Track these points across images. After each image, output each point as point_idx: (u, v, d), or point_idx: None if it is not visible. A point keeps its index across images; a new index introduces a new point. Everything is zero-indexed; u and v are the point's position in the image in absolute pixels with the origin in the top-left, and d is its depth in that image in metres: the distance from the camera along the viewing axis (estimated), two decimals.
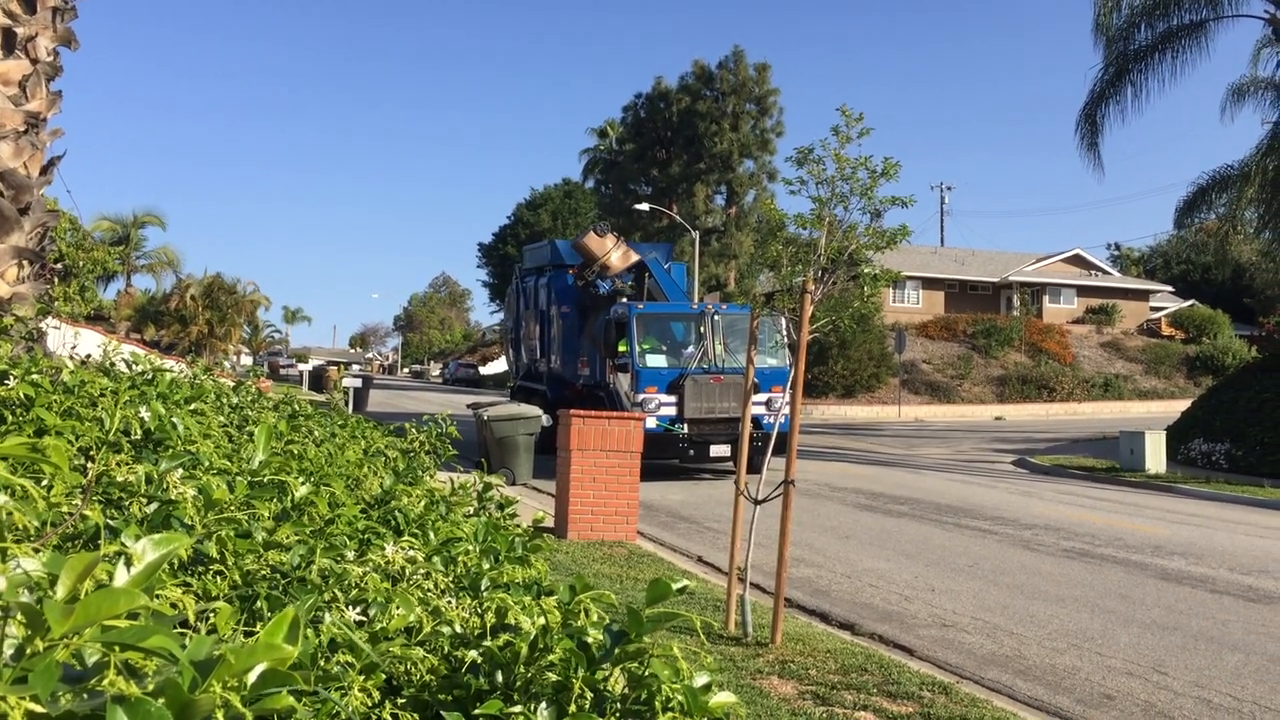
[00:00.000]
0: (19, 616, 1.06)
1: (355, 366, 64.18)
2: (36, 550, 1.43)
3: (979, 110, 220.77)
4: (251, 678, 1.14)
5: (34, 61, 7.08)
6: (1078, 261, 58.76)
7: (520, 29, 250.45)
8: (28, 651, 1.04)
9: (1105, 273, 59.94)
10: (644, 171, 54.66)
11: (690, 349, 18.16)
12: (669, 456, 17.48)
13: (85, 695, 1.04)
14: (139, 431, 3.34)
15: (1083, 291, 56.71)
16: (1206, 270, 63.84)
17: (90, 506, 2.15)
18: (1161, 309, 58.76)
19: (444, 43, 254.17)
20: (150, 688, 1.07)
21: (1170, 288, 62.15)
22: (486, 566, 2.95)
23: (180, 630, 1.55)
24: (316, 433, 5.87)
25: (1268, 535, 13.44)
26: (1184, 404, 30.28)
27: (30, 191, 7.04)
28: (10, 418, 3.35)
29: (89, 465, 2.37)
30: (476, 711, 1.84)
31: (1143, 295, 59.00)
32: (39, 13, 7.13)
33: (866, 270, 8.04)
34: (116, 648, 1.07)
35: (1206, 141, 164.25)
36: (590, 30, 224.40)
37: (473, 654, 2.07)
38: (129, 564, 1.20)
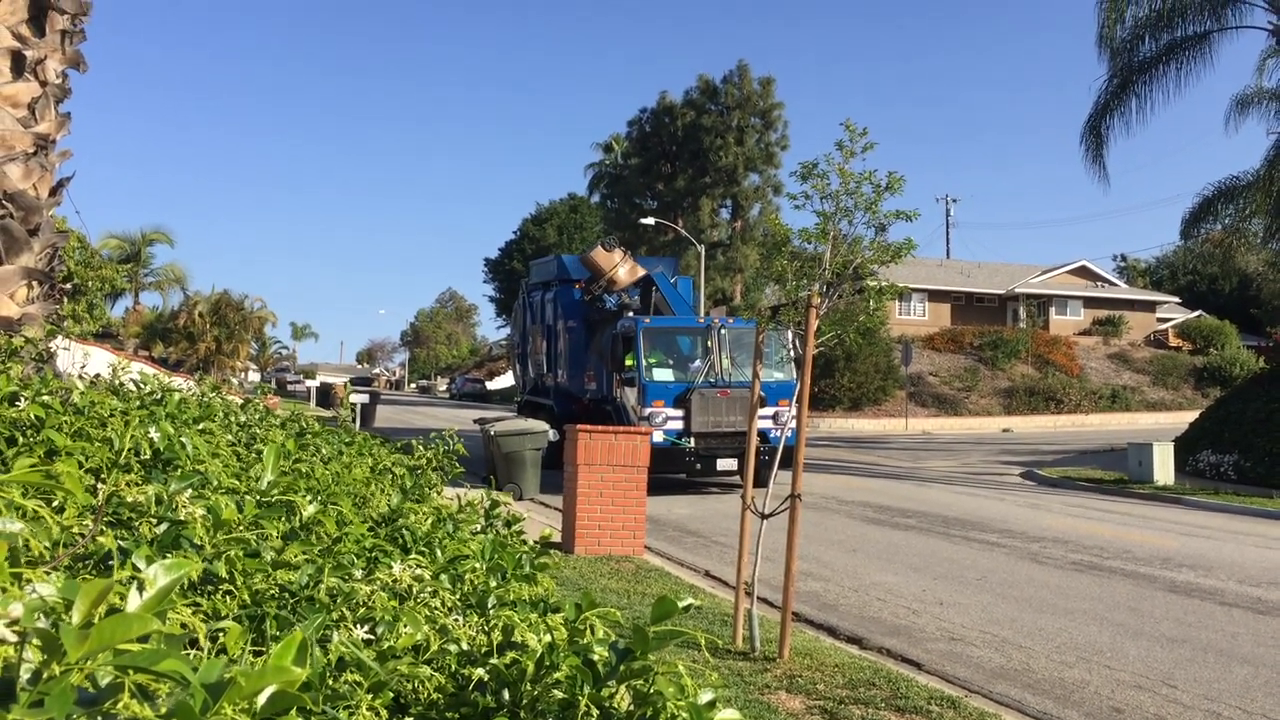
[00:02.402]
0: (35, 641, 1.08)
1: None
2: (49, 574, 1.46)
3: (984, 123, 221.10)
4: (261, 699, 1.16)
5: (43, 84, 7.15)
6: (1084, 273, 58.75)
7: (525, 45, 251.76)
8: (44, 676, 1.07)
9: (1111, 284, 59.93)
10: (649, 186, 54.83)
11: (697, 363, 18.18)
12: (676, 471, 17.47)
13: (100, 718, 1.06)
14: (148, 452, 3.36)
15: (1089, 303, 56.67)
16: (1213, 281, 63.73)
17: (101, 529, 2.17)
18: (1169, 320, 58.68)
19: (450, 60, 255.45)
20: (163, 710, 1.09)
21: (1177, 298, 62.05)
22: (493, 584, 2.96)
23: (189, 650, 1.57)
24: (324, 450, 5.88)
25: (1277, 546, 13.39)
26: (1192, 415, 30.19)
27: (39, 213, 7.09)
28: (21, 439, 3.38)
29: (99, 486, 2.39)
30: None
31: (1149, 306, 58.94)
32: (48, 35, 7.20)
33: (871, 284, 8.06)
34: (130, 671, 1.10)
35: (1211, 152, 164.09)
36: (595, 45, 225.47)
37: (480, 672, 2.08)
38: (141, 589, 1.23)
